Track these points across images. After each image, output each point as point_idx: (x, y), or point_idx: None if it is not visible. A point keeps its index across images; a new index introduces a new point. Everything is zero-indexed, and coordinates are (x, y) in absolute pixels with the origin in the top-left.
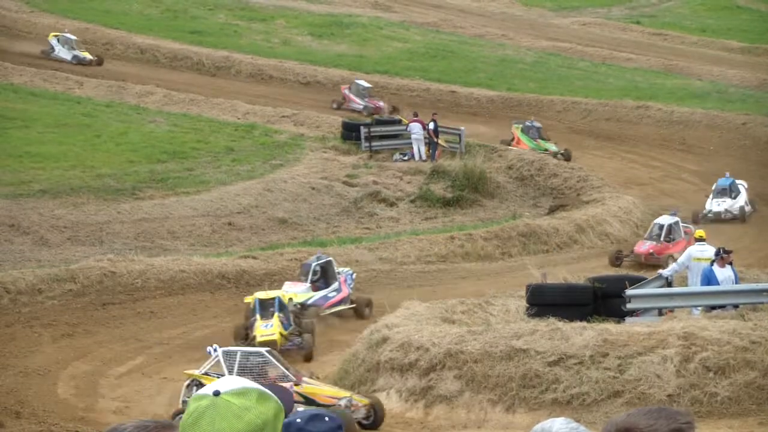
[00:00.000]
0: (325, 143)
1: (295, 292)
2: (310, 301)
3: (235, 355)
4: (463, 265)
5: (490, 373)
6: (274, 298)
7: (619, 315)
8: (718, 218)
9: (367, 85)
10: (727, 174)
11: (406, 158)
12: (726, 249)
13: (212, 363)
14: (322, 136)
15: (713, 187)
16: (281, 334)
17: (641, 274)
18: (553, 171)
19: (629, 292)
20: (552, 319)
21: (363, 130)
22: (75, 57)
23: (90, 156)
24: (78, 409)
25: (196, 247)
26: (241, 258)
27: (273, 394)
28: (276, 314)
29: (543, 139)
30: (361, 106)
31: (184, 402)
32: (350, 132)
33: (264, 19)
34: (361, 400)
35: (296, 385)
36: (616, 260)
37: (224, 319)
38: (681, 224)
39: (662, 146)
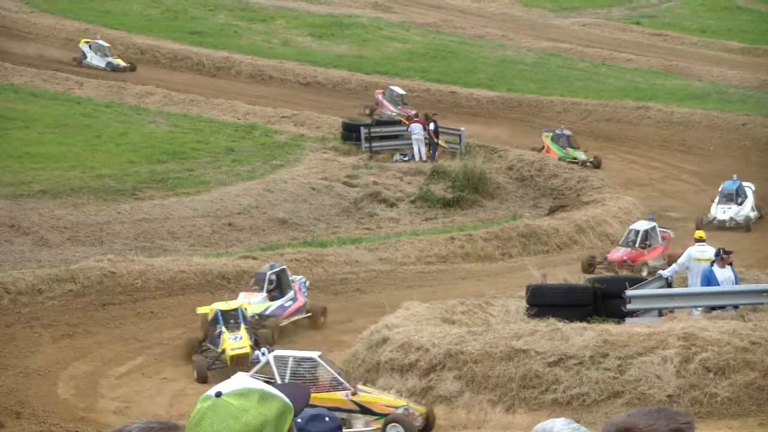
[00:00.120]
0: (325, 144)
1: (251, 302)
2: (267, 312)
3: (287, 359)
4: (463, 265)
5: (490, 374)
6: (236, 309)
7: (619, 315)
8: (722, 226)
9: (401, 92)
10: (734, 177)
11: (406, 159)
12: (726, 250)
13: (260, 367)
14: (323, 137)
15: (719, 190)
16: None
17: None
18: (553, 172)
19: (629, 292)
20: (552, 320)
21: (363, 131)
22: (109, 64)
23: (90, 156)
24: (78, 410)
25: (196, 247)
26: (242, 258)
27: (279, 394)
28: (242, 326)
29: (572, 147)
30: (394, 114)
31: None
32: (350, 132)
33: (264, 20)
34: (417, 409)
35: (353, 393)
36: (589, 267)
37: None
38: (659, 229)
39: (662, 147)
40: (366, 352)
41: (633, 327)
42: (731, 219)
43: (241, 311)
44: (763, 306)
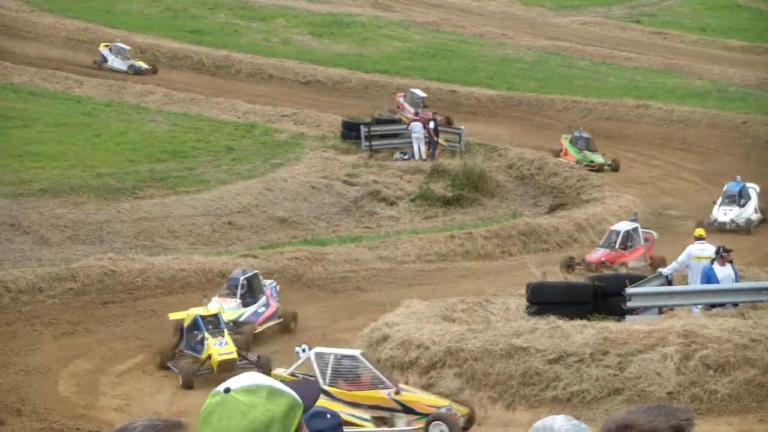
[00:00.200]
0: (325, 142)
1: (226, 308)
2: (242, 318)
3: (328, 357)
4: (463, 263)
5: (490, 371)
6: (216, 315)
7: (619, 313)
8: (722, 228)
9: (422, 94)
10: (738, 178)
11: (406, 157)
12: (726, 248)
13: (300, 363)
14: (322, 135)
15: (723, 191)
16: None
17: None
18: (553, 170)
19: (629, 290)
20: (552, 318)
21: (363, 130)
22: (131, 67)
23: (90, 155)
24: (79, 407)
25: (196, 246)
26: (242, 257)
27: (288, 391)
28: (226, 331)
29: (590, 150)
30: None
31: None
32: (350, 131)
33: (264, 19)
34: (460, 409)
35: (396, 393)
36: (568, 267)
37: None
38: (641, 230)
39: (662, 145)
40: (366, 350)
41: (633, 324)
42: (732, 221)
43: (221, 316)
44: (763, 303)
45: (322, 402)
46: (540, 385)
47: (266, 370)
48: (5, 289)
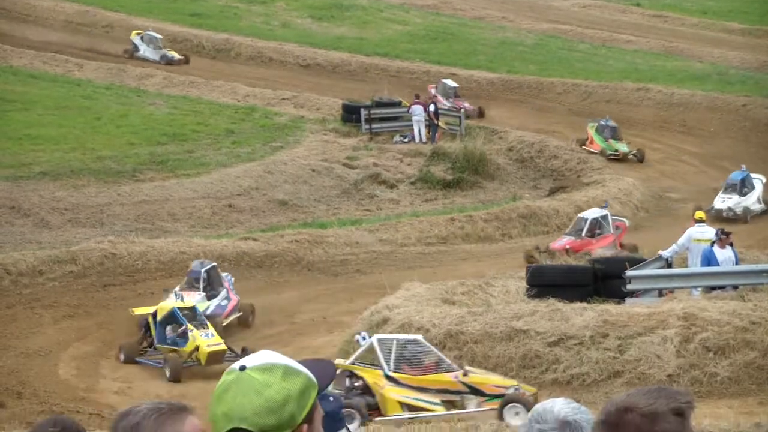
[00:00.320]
0: (325, 125)
1: (192, 302)
2: (209, 311)
3: (391, 343)
4: (464, 246)
5: (490, 354)
6: (192, 307)
7: (619, 296)
8: (719, 216)
9: (454, 84)
10: (743, 167)
11: (406, 140)
12: (725, 230)
13: (363, 351)
14: (322, 119)
15: (726, 179)
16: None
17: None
18: (554, 153)
19: (629, 272)
20: (552, 300)
21: (363, 112)
22: (164, 57)
23: (90, 138)
24: (79, 390)
25: (196, 228)
26: (242, 240)
27: (304, 370)
28: (209, 323)
29: (615, 138)
30: (446, 107)
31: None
32: (350, 114)
33: (264, 2)
34: (528, 389)
35: (463, 375)
36: (531, 256)
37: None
38: (611, 217)
39: (662, 128)
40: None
41: (633, 307)
42: (729, 209)
43: (198, 309)
44: (763, 286)
45: (390, 389)
46: (540, 368)
47: None
48: (5, 271)
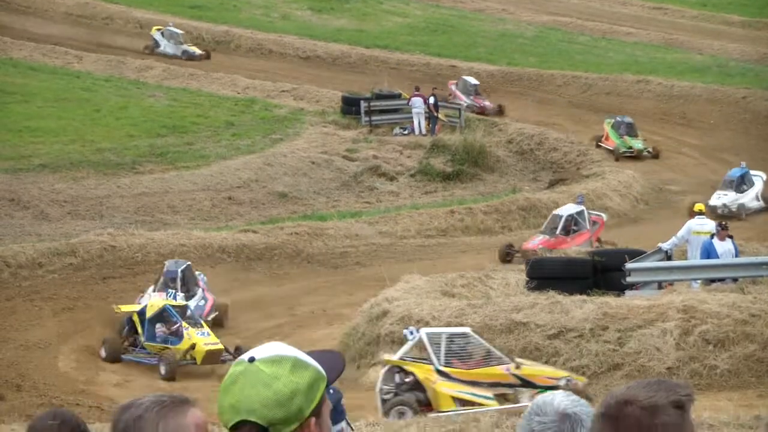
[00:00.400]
0: (324, 117)
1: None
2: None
3: (440, 336)
4: (463, 238)
5: None
6: (185, 306)
7: (619, 288)
8: (714, 212)
9: (474, 82)
10: (743, 164)
11: (406, 132)
12: (725, 223)
13: (411, 346)
14: (322, 111)
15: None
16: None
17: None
18: (553, 145)
19: (629, 265)
20: (552, 293)
21: (363, 105)
22: (185, 52)
23: (90, 130)
24: (78, 382)
25: (196, 221)
26: (241, 232)
27: (313, 363)
28: (204, 322)
29: (630, 135)
30: (465, 105)
31: (381, 390)
32: (350, 106)
33: None
34: (579, 379)
35: (516, 367)
36: (506, 256)
37: (225, 293)
38: (588, 213)
39: (662, 120)
40: (366, 325)
41: (633, 300)
42: (724, 206)
43: (190, 307)
44: (762, 278)
45: (443, 384)
46: (540, 361)
47: None
48: (5, 264)
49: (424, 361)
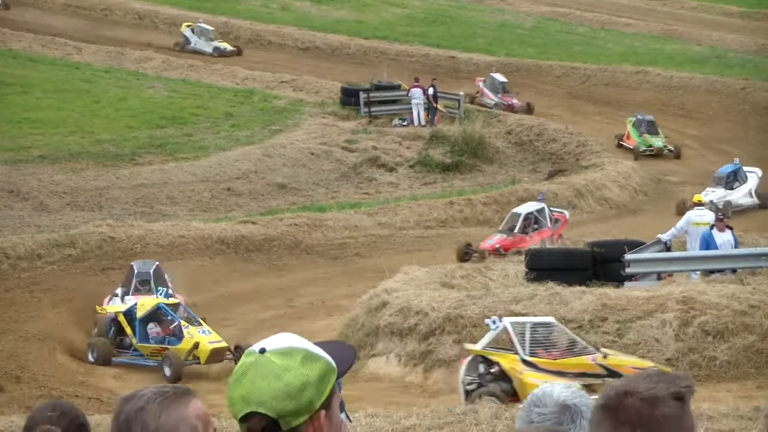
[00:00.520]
0: (324, 109)
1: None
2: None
3: (524, 326)
4: (463, 229)
5: None
6: (177, 304)
7: (618, 279)
8: None
9: (503, 79)
10: (736, 160)
11: (405, 123)
12: (721, 216)
13: (496, 335)
14: (321, 102)
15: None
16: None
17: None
18: (552, 136)
19: (628, 256)
20: (551, 284)
21: (362, 96)
22: (216, 49)
23: (89, 122)
24: (78, 374)
25: (195, 212)
26: (240, 223)
27: (324, 355)
28: (202, 320)
29: (651, 133)
30: (493, 103)
31: (464, 380)
32: (349, 97)
33: None
34: (664, 369)
35: (603, 357)
36: (465, 255)
37: (224, 285)
38: (550, 210)
39: (661, 111)
40: (365, 317)
41: (632, 291)
42: (711, 203)
43: (184, 305)
44: (761, 269)
45: (529, 374)
46: None
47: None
48: (4, 255)
49: (508, 351)
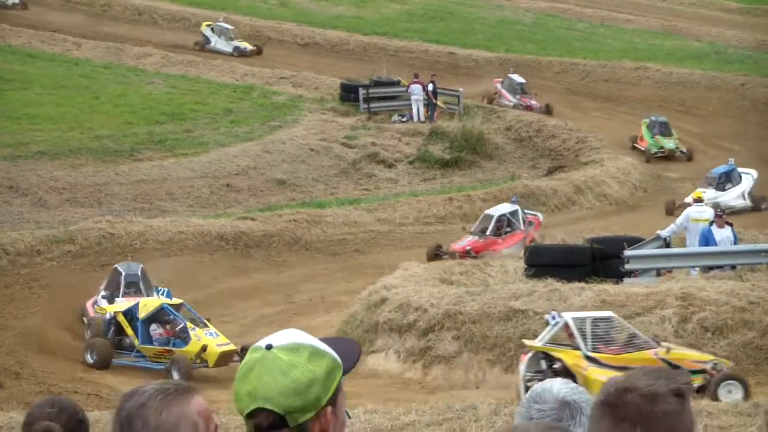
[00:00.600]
0: (323, 105)
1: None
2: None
3: (585, 320)
4: (462, 226)
5: (488, 334)
6: (180, 304)
7: (618, 276)
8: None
9: (521, 80)
10: (731, 161)
11: (404, 119)
12: (723, 210)
13: (557, 330)
14: (321, 98)
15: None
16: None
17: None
18: (552, 132)
19: (627, 252)
20: (550, 280)
21: (361, 92)
22: (236, 49)
23: (88, 118)
24: (77, 370)
25: (194, 208)
26: (240, 219)
27: (330, 351)
28: (207, 321)
29: (663, 135)
30: (512, 104)
31: (525, 376)
32: (349, 93)
33: None
34: (725, 362)
35: (665, 351)
36: (435, 257)
37: (223, 281)
38: (522, 213)
39: (661, 107)
40: (364, 313)
41: (631, 287)
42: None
43: (188, 306)
44: (761, 266)
45: (594, 370)
46: None
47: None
48: (3, 251)
49: (570, 347)
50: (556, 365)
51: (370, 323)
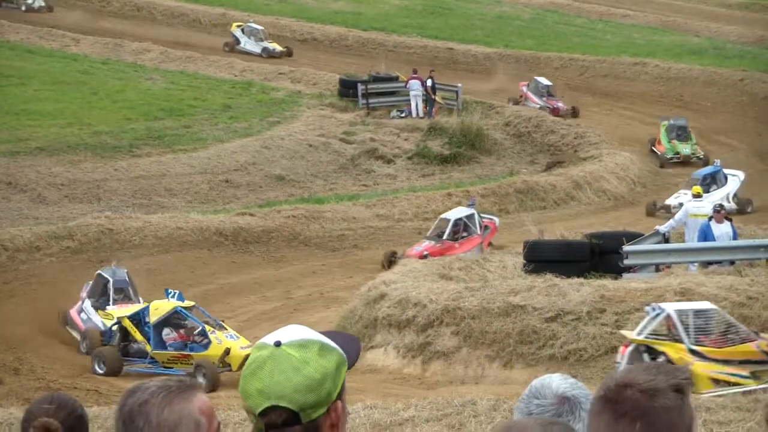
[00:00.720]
0: (322, 100)
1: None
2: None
3: (688, 313)
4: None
5: (487, 329)
6: (193, 306)
7: (617, 271)
8: (668, 211)
9: (547, 83)
10: (716, 162)
11: (403, 115)
12: (722, 205)
13: (656, 324)
14: (319, 93)
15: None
16: None
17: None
18: (551, 128)
19: (626, 248)
20: (549, 276)
21: (360, 87)
22: (265, 50)
23: (87, 113)
24: (76, 366)
25: (193, 204)
26: (239, 215)
27: (336, 347)
28: (223, 323)
29: (680, 139)
30: (538, 107)
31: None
32: (347, 89)
33: None
34: None
35: (767, 344)
36: (390, 264)
37: (222, 277)
38: (480, 216)
39: (659, 103)
40: (363, 308)
41: (630, 282)
42: (680, 205)
43: (201, 308)
44: (759, 261)
45: (700, 365)
46: (537, 344)
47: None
48: (2, 247)
49: (672, 340)
50: (660, 359)
51: (370, 319)
